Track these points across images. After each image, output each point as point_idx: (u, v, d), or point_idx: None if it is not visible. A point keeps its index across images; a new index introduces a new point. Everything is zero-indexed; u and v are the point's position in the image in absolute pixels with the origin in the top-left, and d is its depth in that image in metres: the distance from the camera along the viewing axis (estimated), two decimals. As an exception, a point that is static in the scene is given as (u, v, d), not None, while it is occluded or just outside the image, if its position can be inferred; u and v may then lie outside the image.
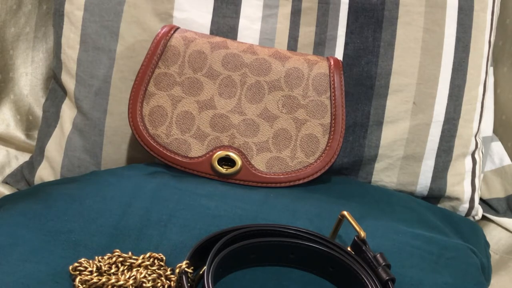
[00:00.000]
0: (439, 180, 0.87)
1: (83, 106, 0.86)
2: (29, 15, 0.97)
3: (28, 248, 0.62)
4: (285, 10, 0.85)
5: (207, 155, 0.77)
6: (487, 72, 0.89)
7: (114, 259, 0.61)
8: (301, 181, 0.77)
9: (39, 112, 0.99)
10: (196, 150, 0.77)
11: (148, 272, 0.59)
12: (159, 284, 0.59)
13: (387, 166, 0.86)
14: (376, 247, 0.65)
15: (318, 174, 0.77)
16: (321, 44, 0.85)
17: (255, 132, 0.77)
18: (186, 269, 0.56)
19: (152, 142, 0.77)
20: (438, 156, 0.86)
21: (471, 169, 0.88)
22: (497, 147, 0.99)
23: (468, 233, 0.79)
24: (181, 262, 0.57)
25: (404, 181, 0.87)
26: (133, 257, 0.61)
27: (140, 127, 0.77)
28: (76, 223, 0.66)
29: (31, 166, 0.91)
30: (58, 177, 0.87)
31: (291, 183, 0.77)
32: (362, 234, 0.61)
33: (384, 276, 0.59)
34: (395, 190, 0.87)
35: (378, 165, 0.86)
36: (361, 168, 0.87)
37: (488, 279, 0.75)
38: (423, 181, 0.87)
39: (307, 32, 0.85)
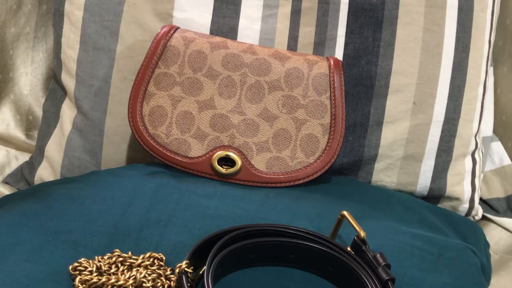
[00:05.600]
0: (439, 180, 0.87)
1: (83, 106, 0.86)
2: (29, 15, 0.97)
3: (28, 248, 0.62)
4: (285, 10, 0.85)
5: (207, 155, 0.77)
6: (487, 72, 0.89)
7: (114, 259, 0.60)
8: (301, 181, 0.77)
9: (39, 112, 0.99)
10: (196, 150, 0.77)
11: (148, 272, 0.59)
12: (159, 284, 0.59)
13: (387, 166, 0.86)
14: (376, 247, 0.65)
15: (318, 174, 0.77)
16: (321, 44, 0.85)
17: (255, 132, 0.77)
18: (186, 269, 0.56)
19: (152, 142, 0.77)
20: (438, 156, 0.86)
21: (471, 169, 0.88)
22: (497, 147, 0.99)
23: (468, 233, 0.79)
24: (181, 262, 0.57)
25: (404, 181, 0.87)
26: (133, 257, 0.61)
27: (140, 127, 0.77)
28: (76, 223, 0.66)
29: (31, 166, 0.91)
30: (58, 177, 0.87)
31: (291, 183, 0.77)
32: (362, 234, 0.61)
33: (384, 276, 0.59)
34: (395, 190, 0.87)
35: (378, 165, 0.86)
36: (361, 168, 0.87)
37: (488, 279, 0.75)
38: (423, 181, 0.87)
39: (307, 32, 0.85)
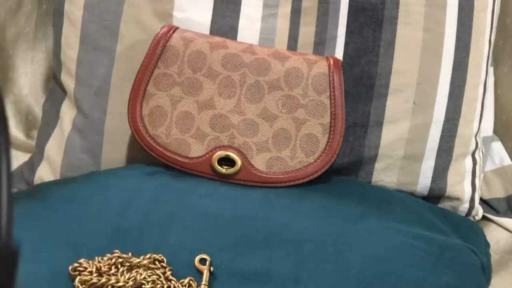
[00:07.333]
0: (439, 180, 0.87)
1: (83, 106, 0.86)
2: (29, 15, 0.97)
3: (28, 248, 0.62)
4: (285, 10, 0.85)
5: (207, 155, 0.76)
6: (487, 72, 0.89)
7: (113, 260, 0.60)
8: (301, 181, 0.77)
9: (39, 112, 0.99)
10: (196, 150, 0.77)
11: (148, 274, 0.59)
12: (158, 286, 0.59)
13: (387, 166, 0.86)
14: (377, 247, 0.65)
15: (318, 173, 0.77)
16: (321, 44, 0.85)
17: (255, 132, 0.77)
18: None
19: (152, 143, 0.77)
20: (438, 156, 0.86)
21: (471, 169, 0.88)
22: (497, 147, 0.99)
23: (468, 233, 0.79)
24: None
25: (404, 181, 0.87)
26: (133, 258, 0.61)
27: (140, 128, 0.77)
28: (76, 223, 0.66)
29: (31, 166, 0.91)
30: (58, 177, 0.86)
31: (291, 183, 0.77)
32: None
33: None
34: (395, 190, 0.87)
35: (378, 165, 0.86)
36: (361, 168, 0.86)
37: (488, 279, 0.75)
38: (423, 181, 0.87)
39: (307, 32, 0.85)
